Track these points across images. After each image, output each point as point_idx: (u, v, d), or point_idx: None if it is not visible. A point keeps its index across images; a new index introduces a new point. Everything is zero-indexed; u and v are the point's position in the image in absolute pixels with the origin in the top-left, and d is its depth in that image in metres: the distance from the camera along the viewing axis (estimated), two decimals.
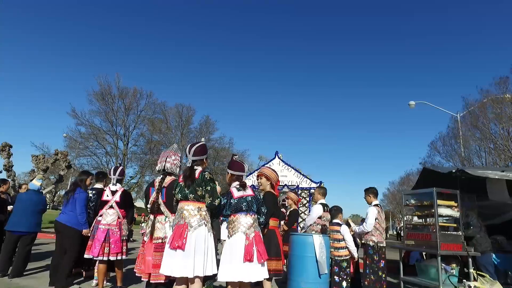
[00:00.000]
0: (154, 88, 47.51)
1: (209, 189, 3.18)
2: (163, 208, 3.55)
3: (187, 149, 3.39)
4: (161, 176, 3.67)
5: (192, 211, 3.13)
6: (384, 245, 5.18)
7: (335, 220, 5.20)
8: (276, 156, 12.67)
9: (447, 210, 5.33)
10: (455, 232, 5.29)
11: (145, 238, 3.69)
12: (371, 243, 5.10)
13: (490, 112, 16.94)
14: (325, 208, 5.64)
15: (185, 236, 3.01)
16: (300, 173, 12.20)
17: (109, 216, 4.61)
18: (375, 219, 5.14)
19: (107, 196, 4.71)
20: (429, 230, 5.32)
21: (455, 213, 5.35)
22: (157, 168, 3.72)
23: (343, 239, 4.99)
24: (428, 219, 5.74)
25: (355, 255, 5.03)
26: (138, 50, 50.46)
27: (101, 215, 4.64)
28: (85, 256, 4.50)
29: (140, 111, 28.91)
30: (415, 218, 6.25)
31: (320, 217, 5.57)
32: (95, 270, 4.82)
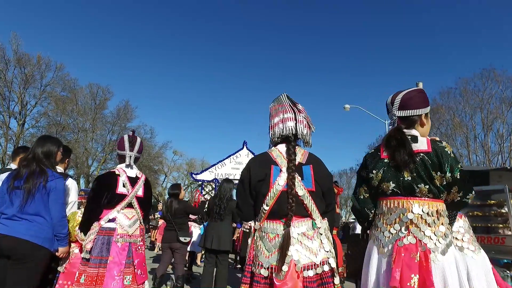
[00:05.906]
0: (65, 61, 37.60)
1: (457, 175, 1.62)
2: (310, 204, 1.73)
3: (390, 99, 1.81)
4: (286, 145, 1.83)
5: (429, 219, 1.58)
6: None
7: None
8: (245, 147, 11.09)
9: None
10: None
11: (266, 263, 1.66)
12: None
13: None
14: None
15: (430, 269, 1.49)
16: None
17: (127, 221, 2.58)
18: None
19: (123, 186, 2.64)
20: (497, 233, 4.70)
21: None
22: (276, 132, 1.84)
23: None
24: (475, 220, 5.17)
25: None
26: (49, 13, 40.24)
27: (111, 220, 2.56)
28: None
29: (45, 86, 23.44)
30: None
31: None
32: None
